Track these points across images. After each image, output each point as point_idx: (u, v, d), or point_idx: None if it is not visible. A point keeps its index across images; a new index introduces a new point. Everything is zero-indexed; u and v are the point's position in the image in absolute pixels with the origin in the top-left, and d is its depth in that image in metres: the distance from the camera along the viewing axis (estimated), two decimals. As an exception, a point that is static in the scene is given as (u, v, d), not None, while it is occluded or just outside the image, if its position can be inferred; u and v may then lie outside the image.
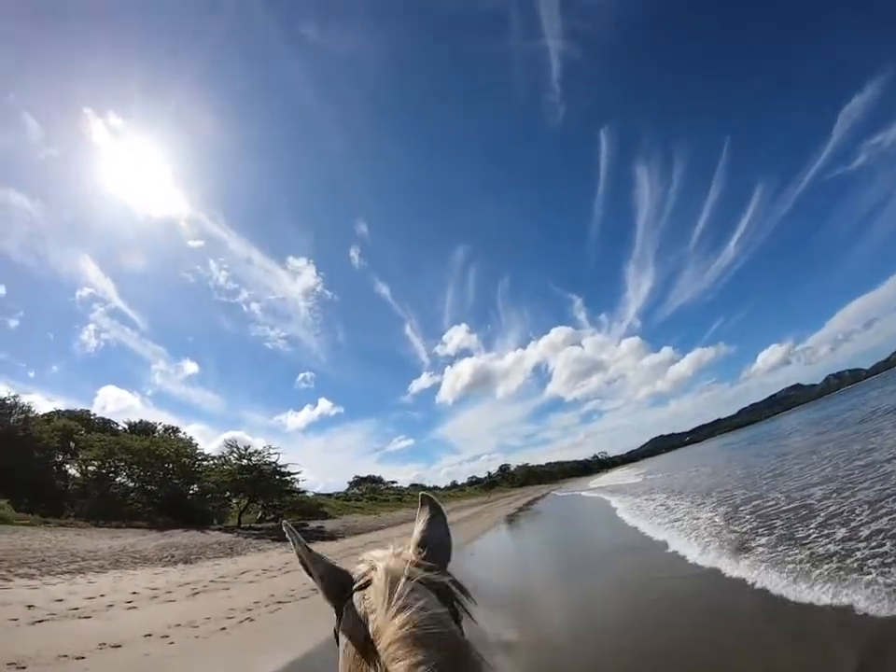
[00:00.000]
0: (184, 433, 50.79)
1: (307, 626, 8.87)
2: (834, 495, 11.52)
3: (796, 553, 8.02)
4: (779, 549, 8.56)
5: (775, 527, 10.33)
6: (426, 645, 0.93)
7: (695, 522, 13.56)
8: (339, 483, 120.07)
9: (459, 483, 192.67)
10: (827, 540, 8.23)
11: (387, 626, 0.96)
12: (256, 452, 37.67)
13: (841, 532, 8.44)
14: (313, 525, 37.33)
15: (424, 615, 0.98)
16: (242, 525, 34.32)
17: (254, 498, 38.00)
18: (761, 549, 8.86)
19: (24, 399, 36.55)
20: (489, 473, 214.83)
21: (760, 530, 10.39)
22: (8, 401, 35.37)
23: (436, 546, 1.28)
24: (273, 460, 38.32)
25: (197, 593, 12.91)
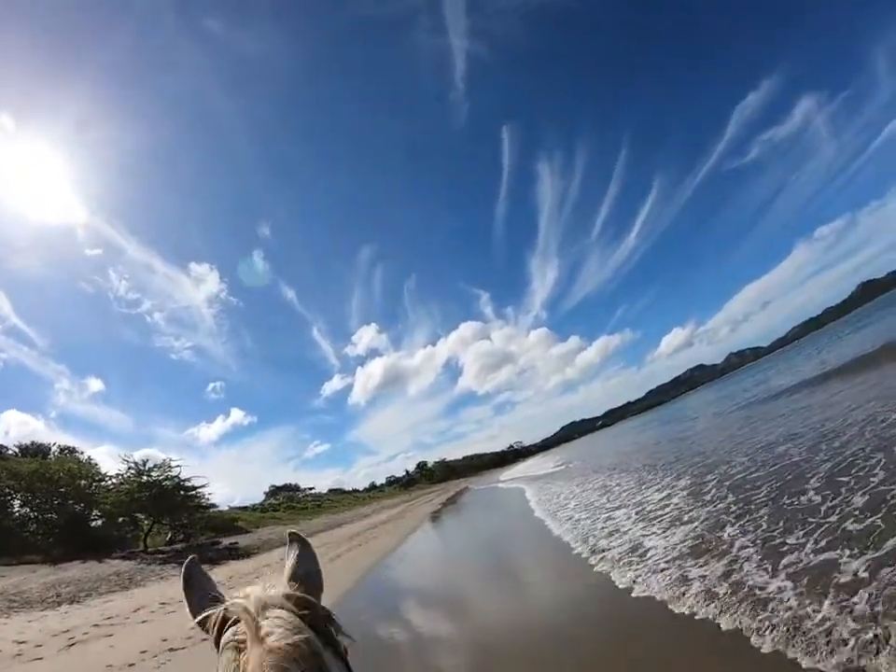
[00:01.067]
0: (82, 453, 46.44)
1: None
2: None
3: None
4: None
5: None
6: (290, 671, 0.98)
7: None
8: (256, 495, 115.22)
9: (378, 483, 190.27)
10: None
11: (254, 656, 1.00)
12: (155, 466, 34.80)
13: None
14: (226, 541, 35.40)
15: (291, 642, 1.03)
16: (148, 550, 31.86)
17: (158, 518, 35.08)
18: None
19: None
20: (407, 472, 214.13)
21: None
22: None
23: (307, 579, 1.35)
24: (176, 474, 35.54)
25: (73, 643, 11.44)
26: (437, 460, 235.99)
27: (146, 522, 34.90)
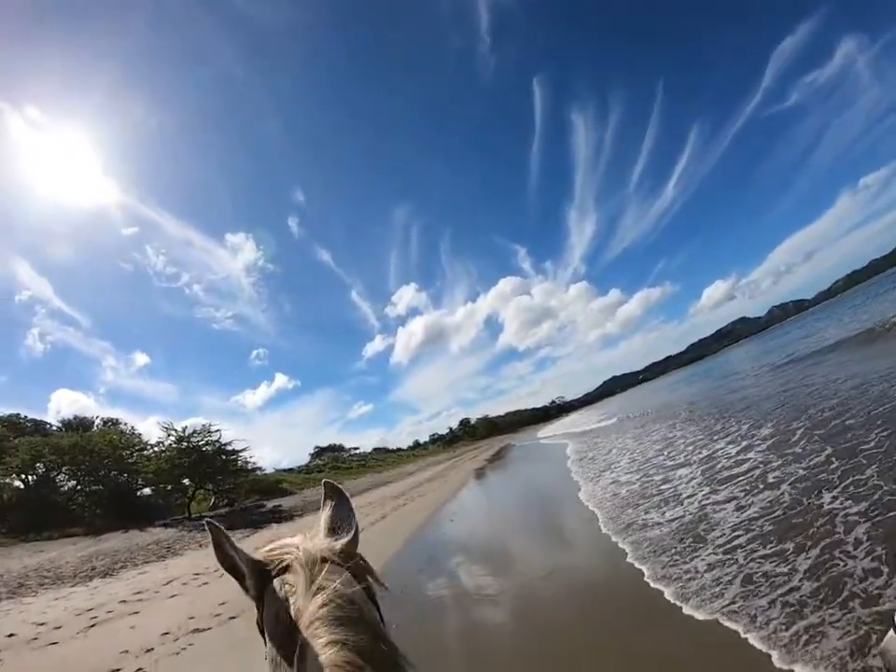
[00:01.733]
0: (125, 424, 46.14)
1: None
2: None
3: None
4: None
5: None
6: (344, 624, 0.97)
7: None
8: (302, 457, 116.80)
9: (422, 441, 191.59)
10: None
11: (307, 607, 1.00)
12: (195, 432, 34.02)
13: None
14: (270, 504, 34.80)
15: (342, 595, 1.02)
16: (192, 517, 31.41)
17: (201, 484, 34.70)
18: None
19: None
20: (450, 429, 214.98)
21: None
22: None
23: (344, 530, 1.28)
24: (216, 439, 34.67)
25: (94, 624, 10.17)
26: (479, 417, 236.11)
27: (189, 488, 34.41)
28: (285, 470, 75.85)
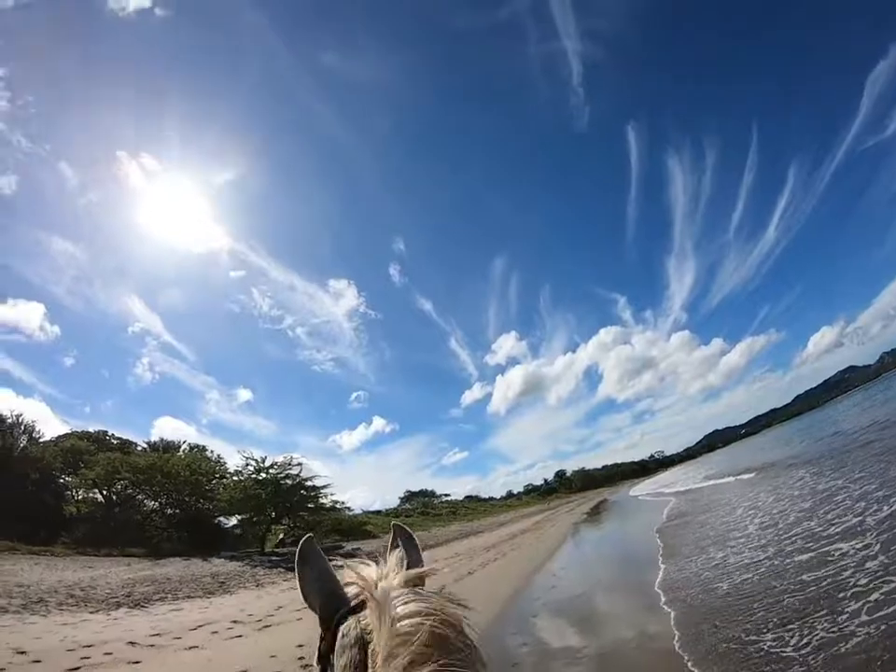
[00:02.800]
0: (211, 451, 45.01)
1: None
2: None
3: None
4: None
5: None
6: (431, 646, 0.89)
7: None
8: (393, 500, 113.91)
9: (515, 492, 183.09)
10: None
11: (383, 642, 0.91)
12: (275, 464, 31.62)
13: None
14: (350, 546, 31.78)
15: (423, 620, 0.92)
16: (265, 551, 28.89)
17: (276, 518, 32.14)
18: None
19: (28, 418, 32.32)
20: (545, 480, 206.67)
21: None
22: (8, 419, 31.24)
23: (415, 567, 1.23)
24: (296, 472, 32.09)
25: (78, 668, 7.44)
26: (575, 469, 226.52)
27: (264, 522, 31.97)
28: (373, 512, 73.47)
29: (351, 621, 1.03)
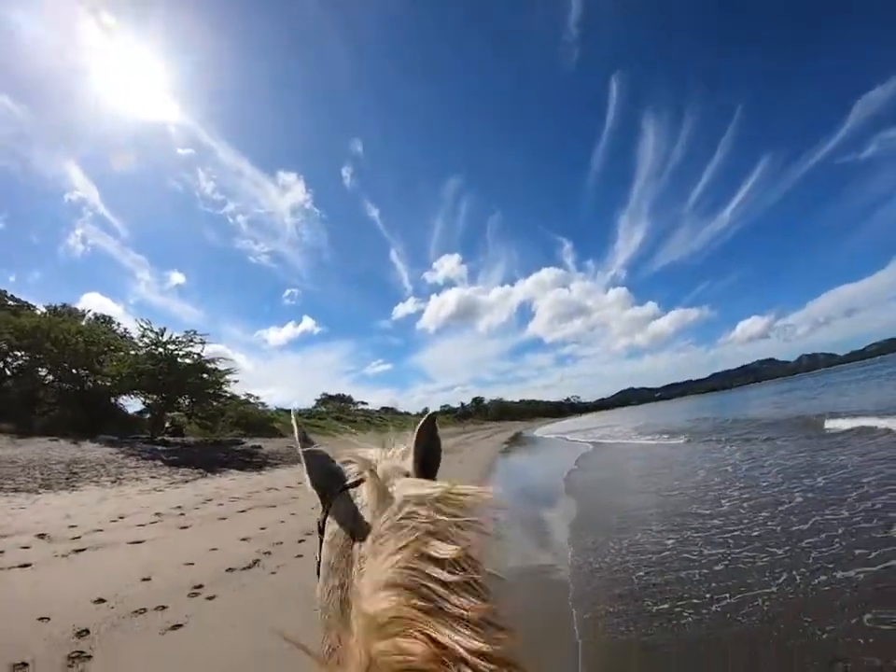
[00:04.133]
0: (118, 324, 39.99)
1: None
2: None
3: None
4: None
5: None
6: (420, 539, 0.83)
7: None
8: (311, 402, 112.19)
9: (432, 410, 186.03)
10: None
11: (377, 520, 0.90)
12: (174, 340, 27.45)
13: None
14: (251, 443, 29.04)
15: (420, 510, 0.88)
16: (154, 438, 25.64)
17: (170, 402, 28.47)
18: None
19: None
20: (462, 404, 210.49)
21: None
22: None
23: (431, 463, 1.21)
24: (197, 351, 27.97)
25: None
26: (493, 398, 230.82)
27: (157, 404, 28.38)
28: (286, 411, 71.11)
29: (345, 494, 1.06)
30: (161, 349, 26.67)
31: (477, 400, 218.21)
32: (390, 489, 0.96)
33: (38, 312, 36.74)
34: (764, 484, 10.35)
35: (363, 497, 1.01)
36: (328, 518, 1.08)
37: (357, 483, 1.07)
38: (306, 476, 1.17)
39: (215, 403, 29.93)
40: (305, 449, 1.18)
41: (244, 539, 8.07)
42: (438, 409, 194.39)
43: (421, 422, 1.25)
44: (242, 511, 10.46)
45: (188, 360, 27.36)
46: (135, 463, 17.00)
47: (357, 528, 0.96)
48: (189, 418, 30.61)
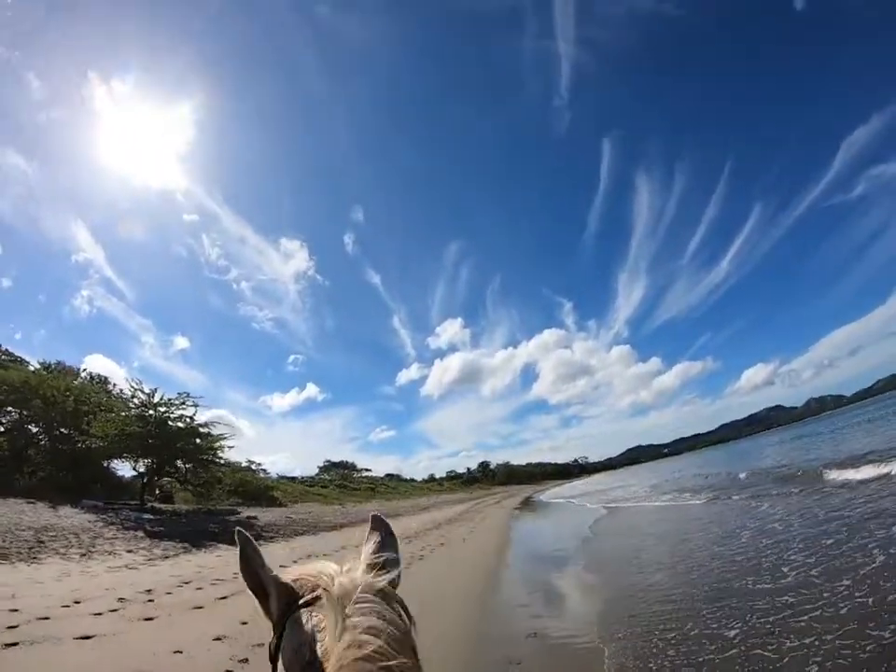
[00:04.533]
0: (114, 385, 38.47)
1: None
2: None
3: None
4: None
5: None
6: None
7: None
8: (314, 469, 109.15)
9: (437, 476, 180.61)
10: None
11: (335, 647, 0.84)
12: (166, 402, 25.67)
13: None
14: (246, 513, 27.04)
15: (380, 635, 0.85)
16: (144, 506, 23.79)
17: (160, 467, 26.39)
18: None
19: None
20: (468, 469, 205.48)
21: None
22: None
23: (388, 567, 1.09)
24: (190, 414, 26.17)
25: None
26: (500, 462, 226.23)
27: (148, 469, 26.31)
28: (288, 478, 68.68)
29: (302, 615, 0.96)
30: (151, 411, 24.99)
31: (483, 465, 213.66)
32: (347, 611, 0.88)
33: (32, 368, 35.29)
34: (829, 542, 8.65)
35: (319, 617, 0.92)
36: (281, 645, 0.97)
37: (312, 601, 0.97)
38: (255, 600, 1.07)
39: (209, 470, 28.01)
40: (248, 569, 1.07)
41: (217, 640, 6.38)
42: (444, 475, 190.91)
43: (370, 523, 1.21)
44: (222, 599, 8.67)
45: (179, 423, 25.57)
46: (114, 533, 15.19)
47: (314, 656, 0.87)
48: (182, 485, 28.58)
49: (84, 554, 11.95)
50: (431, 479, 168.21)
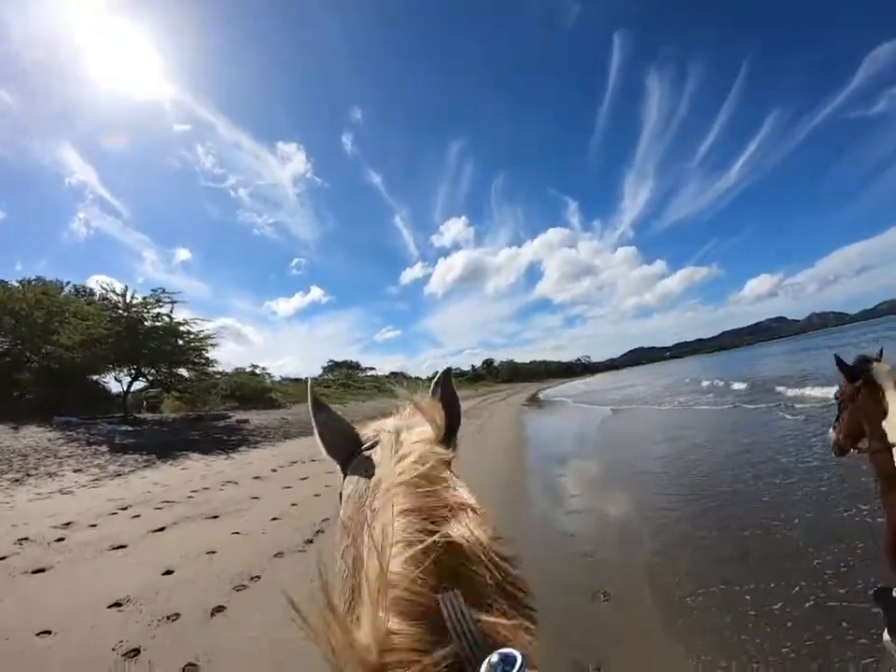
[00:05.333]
0: (93, 295, 35.86)
1: None
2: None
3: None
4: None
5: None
6: (420, 494, 0.84)
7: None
8: (318, 371, 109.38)
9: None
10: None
11: (389, 473, 0.89)
12: (140, 302, 23.21)
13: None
14: (237, 416, 25.47)
15: (427, 467, 0.87)
16: (127, 417, 22.08)
17: (138, 372, 24.15)
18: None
19: None
20: (473, 367, 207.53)
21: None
22: None
23: (451, 420, 1.08)
24: (166, 312, 23.78)
25: None
26: (504, 360, 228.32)
27: (123, 374, 24.48)
28: (292, 380, 67.79)
29: (361, 456, 1.04)
30: (125, 312, 22.71)
31: (488, 362, 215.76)
32: (402, 441, 0.97)
33: (12, 285, 32.73)
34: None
35: (377, 456, 1.00)
36: (345, 481, 1.05)
37: (373, 446, 1.04)
38: (320, 444, 1.13)
39: (198, 372, 26.11)
40: (318, 417, 1.15)
41: (116, 606, 4.43)
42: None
43: (436, 377, 1.23)
44: (158, 531, 6.75)
45: (158, 323, 23.37)
46: (71, 451, 13.38)
47: (368, 484, 0.94)
48: (168, 392, 26.83)
49: (17, 480, 10.06)
50: (436, 375, 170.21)
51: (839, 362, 3.04)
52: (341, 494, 1.05)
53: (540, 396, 60.58)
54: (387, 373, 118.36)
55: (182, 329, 24.47)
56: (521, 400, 49.33)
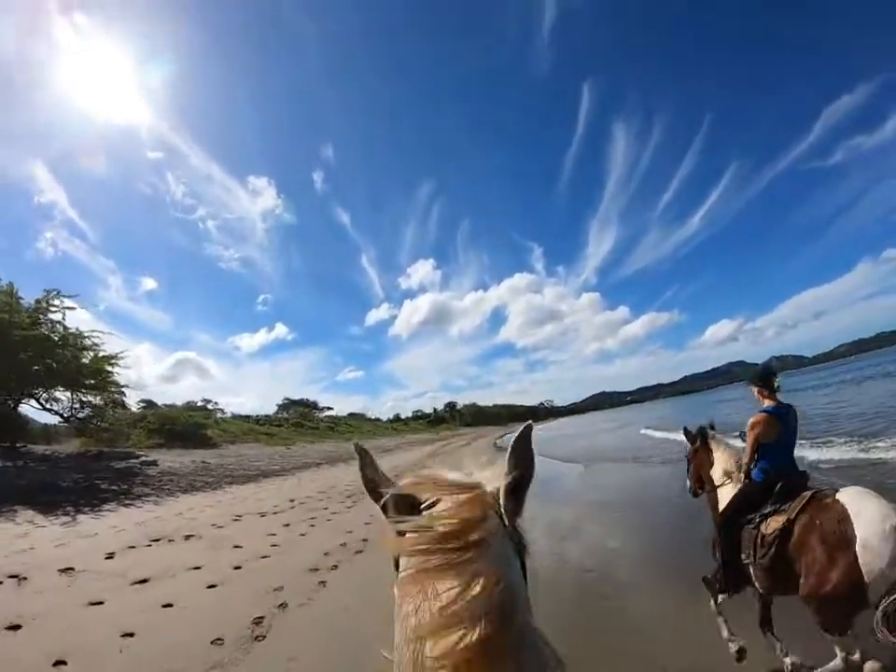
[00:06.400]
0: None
1: None
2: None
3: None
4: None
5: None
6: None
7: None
8: (273, 409, 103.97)
9: (403, 416, 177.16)
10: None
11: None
12: (36, 307, 19.20)
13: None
14: (153, 456, 21.30)
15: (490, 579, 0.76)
16: (15, 445, 17.82)
17: (26, 391, 19.85)
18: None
19: None
20: (435, 410, 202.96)
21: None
22: None
23: (521, 482, 1.02)
24: (59, 319, 19.80)
25: None
26: (467, 403, 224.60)
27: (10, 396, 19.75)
28: (241, 417, 62.69)
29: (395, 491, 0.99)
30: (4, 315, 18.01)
31: (450, 405, 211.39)
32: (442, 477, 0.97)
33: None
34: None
35: (413, 491, 0.97)
36: (398, 594, 0.92)
37: (432, 506, 0.95)
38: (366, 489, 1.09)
39: (100, 399, 21.76)
40: (367, 477, 1.08)
41: None
42: (410, 415, 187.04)
43: (518, 432, 1.08)
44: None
45: (42, 331, 19.07)
46: None
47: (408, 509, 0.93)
48: (65, 421, 22.29)
49: None
50: (397, 418, 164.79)
51: (686, 432, 4.97)
52: (396, 561, 0.93)
53: (503, 442, 57.14)
54: (346, 414, 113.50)
55: (85, 342, 20.08)
56: (484, 445, 45.80)
